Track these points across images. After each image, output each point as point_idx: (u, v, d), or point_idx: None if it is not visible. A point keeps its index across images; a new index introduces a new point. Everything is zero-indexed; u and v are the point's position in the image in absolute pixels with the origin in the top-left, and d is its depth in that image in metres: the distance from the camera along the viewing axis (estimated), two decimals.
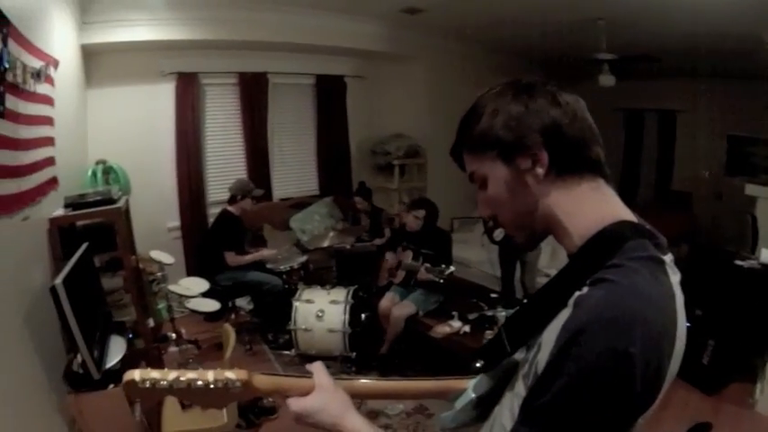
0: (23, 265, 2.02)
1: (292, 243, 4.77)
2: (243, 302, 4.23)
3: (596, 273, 0.59)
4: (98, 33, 3.61)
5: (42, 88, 2.34)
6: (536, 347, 0.65)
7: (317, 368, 0.83)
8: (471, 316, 3.39)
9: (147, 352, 2.84)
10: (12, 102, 1.88)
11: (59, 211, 2.53)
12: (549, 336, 0.61)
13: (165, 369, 0.75)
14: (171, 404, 2.32)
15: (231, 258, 3.80)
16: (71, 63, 3.23)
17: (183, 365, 3.28)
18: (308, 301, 3.55)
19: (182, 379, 0.73)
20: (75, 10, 3.31)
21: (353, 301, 3.55)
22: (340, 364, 3.51)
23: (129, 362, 2.23)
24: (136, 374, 0.73)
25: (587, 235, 0.66)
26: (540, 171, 0.68)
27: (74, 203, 2.60)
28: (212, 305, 3.45)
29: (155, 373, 0.74)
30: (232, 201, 3.95)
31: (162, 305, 3.63)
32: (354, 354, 3.52)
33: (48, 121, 2.45)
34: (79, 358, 1.97)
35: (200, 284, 3.55)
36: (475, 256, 4.70)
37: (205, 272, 3.78)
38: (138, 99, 4.23)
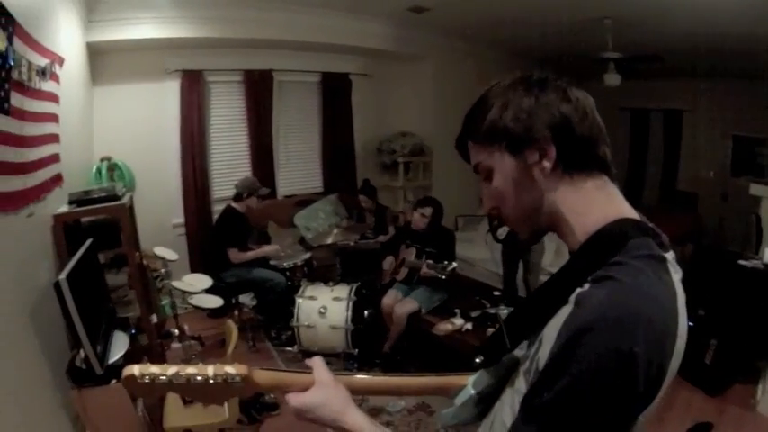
0: (28, 262, 2.03)
1: (296, 240, 4.77)
2: (246, 299, 4.23)
3: (598, 270, 0.59)
4: (104, 31, 3.63)
5: (48, 86, 2.35)
6: (537, 344, 0.65)
7: (317, 363, 0.82)
8: (474, 313, 3.40)
9: (151, 348, 2.84)
10: (17, 99, 1.88)
11: (64, 208, 2.53)
12: (550, 332, 0.61)
13: (165, 364, 0.74)
14: (173, 400, 2.33)
15: (234, 255, 3.80)
16: (77, 61, 3.24)
17: (185, 362, 3.27)
18: (311, 298, 3.55)
19: (181, 374, 0.73)
20: (81, 8, 3.33)
21: (356, 298, 3.55)
22: (343, 361, 3.52)
23: (131, 357, 2.25)
24: (135, 369, 0.73)
25: (590, 232, 0.66)
26: (547, 165, 0.68)
27: (79, 200, 2.61)
28: (215, 301, 3.45)
29: (154, 368, 0.73)
30: (238, 198, 3.95)
31: (165, 301, 3.64)
32: (357, 350, 3.52)
33: (53, 118, 2.46)
34: (82, 353, 1.98)
35: (204, 281, 3.55)
36: (479, 254, 4.70)
37: (210, 268, 3.79)
38: (143, 97, 4.25)
